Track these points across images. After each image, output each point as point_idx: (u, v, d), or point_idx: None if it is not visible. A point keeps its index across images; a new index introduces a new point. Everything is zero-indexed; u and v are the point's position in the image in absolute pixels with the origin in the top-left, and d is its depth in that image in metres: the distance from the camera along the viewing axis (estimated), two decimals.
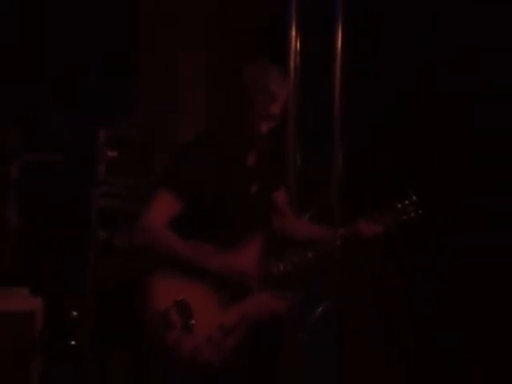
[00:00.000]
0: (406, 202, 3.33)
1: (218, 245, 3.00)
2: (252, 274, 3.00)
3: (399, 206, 3.29)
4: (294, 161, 4.06)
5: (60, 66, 4.68)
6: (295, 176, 4.04)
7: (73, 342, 4.17)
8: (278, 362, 3.81)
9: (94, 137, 4.37)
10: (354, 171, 3.95)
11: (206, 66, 4.51)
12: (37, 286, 4.09)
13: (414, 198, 3.31)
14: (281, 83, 2.98)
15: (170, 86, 4.65)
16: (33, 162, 4.52)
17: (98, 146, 4.35)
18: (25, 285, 4.08)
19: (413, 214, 3.32)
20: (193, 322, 2.88)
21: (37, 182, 4.52)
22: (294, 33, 4.00)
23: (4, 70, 4.58)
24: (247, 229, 3.06)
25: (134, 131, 4.53)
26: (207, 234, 3.02)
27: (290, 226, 3.26)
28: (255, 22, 4.61)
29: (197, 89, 4.60)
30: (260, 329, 3.05)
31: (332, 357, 4.09)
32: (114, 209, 4.38)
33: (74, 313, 4.28)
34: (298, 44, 4.03)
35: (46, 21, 4.75)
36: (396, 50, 4.27)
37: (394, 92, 4.34)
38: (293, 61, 4.01)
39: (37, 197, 4.54)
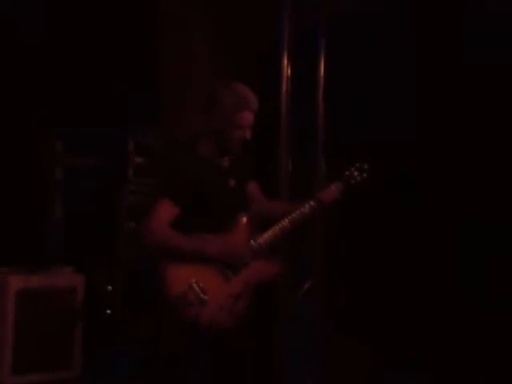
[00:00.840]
0: (352, 168, 3.61)
1: (213, 232, 3.31)
2: (245, 251, 3.31)
3: (347, 173, 3.60)
4: (286, 166, 4.49)
5: (97, 84, 4.92)
6: (286, 178, 4.47)
7: (108, 311, 4.57)
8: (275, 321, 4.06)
9: (125, 145, 4.73)
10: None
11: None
12: (78, 266, 4.49)
13: (358, 164, 3.61)
14: (254, 101, 3.30)
15: (185, 104, 4.88)
16: (73, 165, 4.82)
17: (128, 153, 4.71)
18: (69, 264, 4.50)
19: (359, 178, 3.60)
20: (206, 297, 3.19)
21: (77, 182, 4.82)
22: (285, 61, 4.44)
23: (50, 86, 4.85)
24: (233, 215, 3.39)
25: (156, 140, 4.83)
26: (203, 225, 3.31)
27: (266, 208, 3.58)
28: (254, 49, 4.87)
29: None
30: (259, 294, 3.34)
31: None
32: (139, 204, 4.71)
33: (109, 287, 4.67)
34: (289, 71, 4.45)
35: (76, 38, 4.94)
36: (371, 71, 4.63)
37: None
38: (284, 84, 4.45)
39: (77, 193, 4.83)
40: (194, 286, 3.21)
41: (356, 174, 3.62)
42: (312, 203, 3.47)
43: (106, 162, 4.81)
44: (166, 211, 3.25)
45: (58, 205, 4.83)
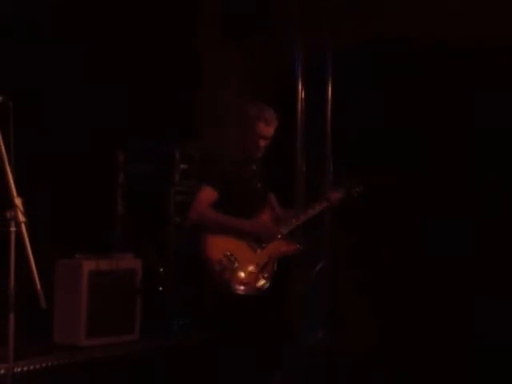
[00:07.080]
0: (355, 183, 4.17)
1: (243, 217, 3.78)
2: (273, 230, 3.78)
3: (351, 185, 4.17)
4: (301, 168, 5.07)
5: (151, 108, 5.36)
6: (302, 178, 5.05)
7: (160, 287, 4.99)
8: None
9: (172, 155, 5.15)
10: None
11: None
12: (137, 252, 4.88)
13: (358, 181, 4.16)
14: (273, 115, 3.75)
15: (217, 123, 5.44)
16: (132, 172, 5.28)
17: (174, 161, 5.14)
18: (129, 251, 4.90)
19: (356, 191, 4.15)
20: (237, 265, 3.65)
21: (135, 185, 5.27)
22: (300, 85, 5.06)
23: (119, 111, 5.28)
24: (258, 206, 3.85)
25: (196, 151, 5.24)
26: (236, 212, 3.76)
27: (282, 215, 4.03)
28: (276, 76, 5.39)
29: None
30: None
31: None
32: (183, 201, 5.01)
33: (161, 269, 5.09)
34: (303, 93, 5.06)
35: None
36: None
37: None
38: (300, 104, 5.06)
39: (135, 194, 5.27)
40: (228, 254, 3.67)
41: (355, 187, 4.21)
42: (324, 202, 4.05)
43: (158, 168, 5.19)
44: (207, 195, 3.71)
45: (121, 204, 5.28)
